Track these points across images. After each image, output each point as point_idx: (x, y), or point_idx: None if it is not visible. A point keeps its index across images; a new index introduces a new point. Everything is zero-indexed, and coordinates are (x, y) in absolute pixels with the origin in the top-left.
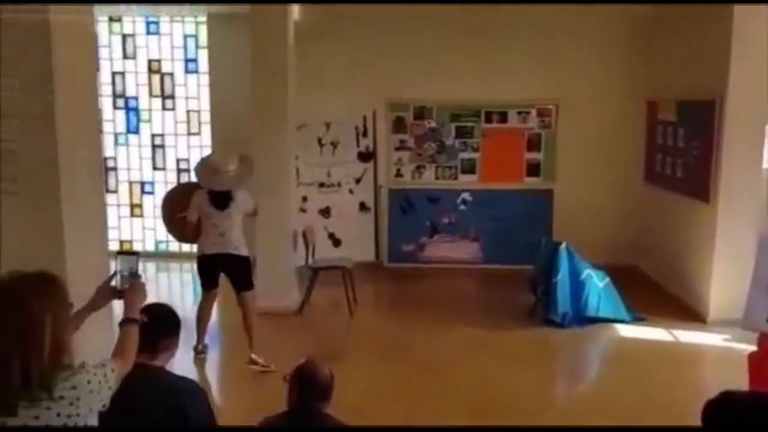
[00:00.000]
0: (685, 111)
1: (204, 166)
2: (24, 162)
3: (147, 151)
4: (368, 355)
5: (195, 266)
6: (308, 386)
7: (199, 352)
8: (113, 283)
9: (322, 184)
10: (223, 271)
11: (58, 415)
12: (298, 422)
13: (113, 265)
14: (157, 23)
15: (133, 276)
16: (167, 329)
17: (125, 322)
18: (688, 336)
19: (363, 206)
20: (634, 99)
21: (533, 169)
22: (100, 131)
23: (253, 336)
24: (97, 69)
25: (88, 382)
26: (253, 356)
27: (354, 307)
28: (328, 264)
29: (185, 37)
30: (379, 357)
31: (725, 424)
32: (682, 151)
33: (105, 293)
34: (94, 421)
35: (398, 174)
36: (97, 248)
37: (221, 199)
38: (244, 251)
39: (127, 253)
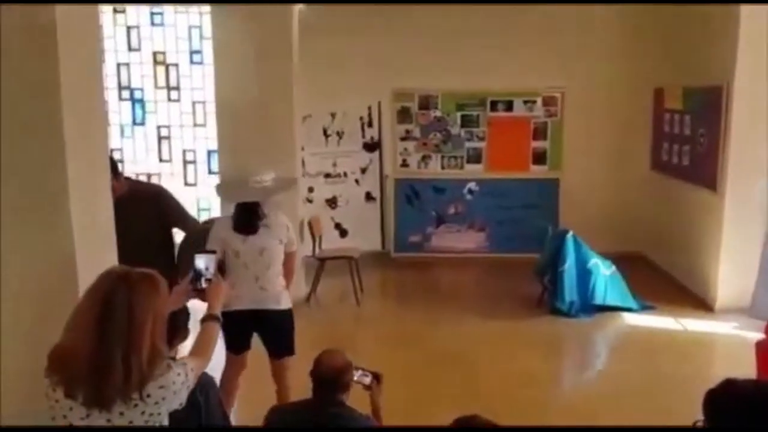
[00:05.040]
0: (692, 98)
1: (230, 181)
2: (31, 157)
3: (153, 143)
4: (376, 345)
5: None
6: (320, 378)
7: None
8: (192, 282)
9: (327, 175)
10: (256, 330)
11: (143, 413)
12: (310, 413)
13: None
14: (161, 15)
15: (213, 274)
16: (180, 327)
17: (207, 320)
18: (696, 324)
19: (369, 196)
20: (641, 87)
21: (539, 158)
22: (107, 124)
23: None
24: (102, 61)
25: (173, 382)
26: None
27: (361, 297)
28: (335, 254)
29: (190, 28)
30: (386, 346)
31: (727, 412)
32: (689, 138)
33: (184, 293)
34: (165, 422)
35: (404, 164)
36: (107, 244)
37: (246, 220)
38: (285, 303)
39: (204, 252)
